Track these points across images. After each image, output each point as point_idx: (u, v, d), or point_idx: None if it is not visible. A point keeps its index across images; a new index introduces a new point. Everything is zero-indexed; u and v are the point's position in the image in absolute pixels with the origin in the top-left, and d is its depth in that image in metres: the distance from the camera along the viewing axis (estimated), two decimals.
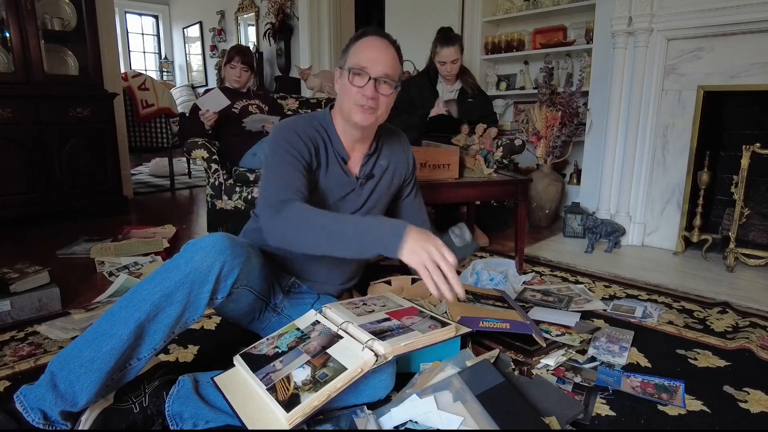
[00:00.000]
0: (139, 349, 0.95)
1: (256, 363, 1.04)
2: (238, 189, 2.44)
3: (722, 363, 1.36)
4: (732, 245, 2.23)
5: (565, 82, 3.21)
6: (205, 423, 1.00)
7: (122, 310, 0.95)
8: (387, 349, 1.00)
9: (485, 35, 3.78)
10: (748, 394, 1.21)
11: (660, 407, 1.14)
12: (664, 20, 2.39)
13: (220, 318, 1.57)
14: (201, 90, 6.41)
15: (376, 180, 1.38)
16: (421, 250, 0.99)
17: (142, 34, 7.66)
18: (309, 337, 1.09)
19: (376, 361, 0.99)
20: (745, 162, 2.19)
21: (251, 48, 5.76)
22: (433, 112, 2.49)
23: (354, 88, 1.20)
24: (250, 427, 0.91)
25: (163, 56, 7.72)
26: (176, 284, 0.96)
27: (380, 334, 1.05)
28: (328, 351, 1.03)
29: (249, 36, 5.98)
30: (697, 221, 2.42)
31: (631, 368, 1.32)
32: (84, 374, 0.90)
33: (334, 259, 1.37)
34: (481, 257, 2.32)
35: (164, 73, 7.68)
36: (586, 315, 1.66)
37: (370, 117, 1.22)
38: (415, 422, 1.02)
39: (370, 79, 1.19)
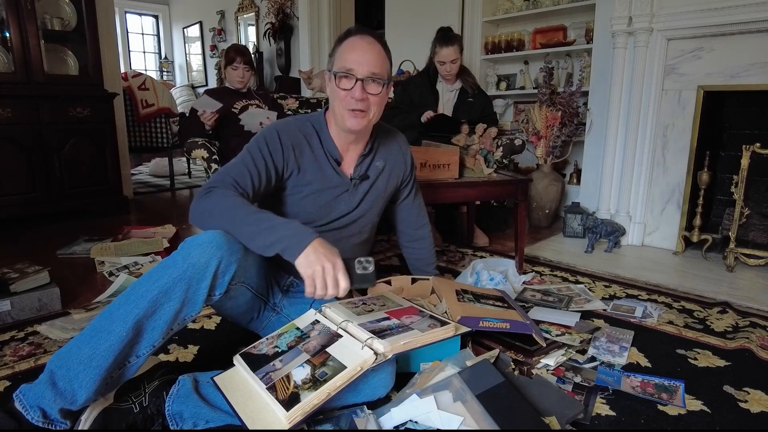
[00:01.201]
0: (138, 347, 0.96)
1: (256, 362, 1.04)
2: None
3: (722, 363, 1.36)
4: (732, 245, 2.23)
5: (565, 82, 3.20)
6: (205, 423, 1.00)
7: (120, 307, 0.95)
8: (386, 347, 1.00)
9: (485, 35, 3.78)
10: (748, 394, 1.21)
11: (660, 407, 1.14)
12: (664, 20, 2.39)
13: (220, 318, 1.57)
14: (201, 90, 6.42)
15: (372, 181, 1.37)
16: (317, 263, 1.00)
17: (142, 34, 7.66)
18: (308, 337, 1.09)
19: (376, 359, 0.99)
20: (745, 162, 2.19)
21: (251, 48, 5.76)
22: (425, 117, 2.47)
23: (342, 92, 1.20)
24: (250, 427, 0.91)
25: (163, 56, 7.72)
26: (174, 280, 0.96)
27: (379, 333, 1.05)
28: (328, 350, 1.03)
29: (249, 36, 5.99)
30: (697, 221, 2.42)
31: (631, 368, 1.32)
32: (83, 371, 0.90)
33: None
34: (481, 257, 2.32)
35: (164, 73, 7.68)
36: (586, 315, 1.66)
37: (362, 121, 1.22)
38: (415, 422, 1.02)
39: (356, 81, 1.19)
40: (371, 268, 1.08)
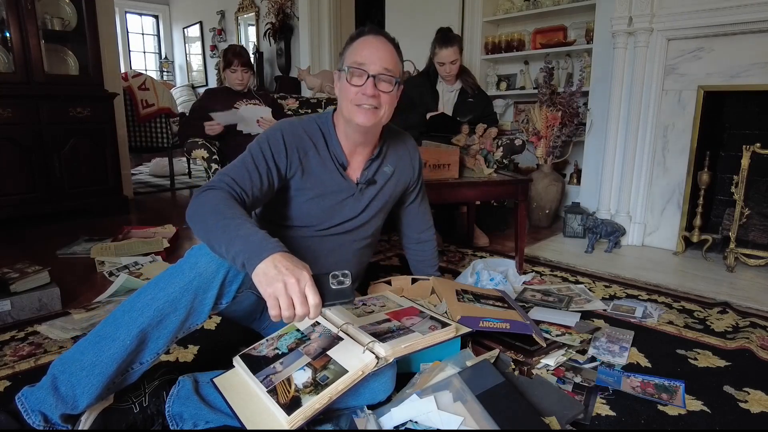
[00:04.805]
0: (142, 354, 0.95)
1: (256, 364, 1.04)
2: None
3: (722, 363, 1.36)
4: (732, 245, 2.23)
5: (565, 82, 3.20)
6: (206, 423, 1.00)
7: (125, 314, 0.93)
8: (388, 351, 0.99)
9: (485, 35, 3.78)
10: (748, 394, 1.21)
11: (660, 407, 1.14)
12: (665, 20, 2.39)
13: (220, 318, 1.57)
14: (201, 90, 6.41)
15: (379, 187, 1.34)
16: (277, 279, 0.85)
17: (142, 34, 7.65)
18: (309, 339, 1.09)
19: (377, 363, 0.98)
20: (745, 162, 2.19)
21: (251, 48, 5.76)
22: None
23: (353, 88, 1.17)
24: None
25: (163, 56, 7.71)
26: (180, 290, 0.94)
27: (380, 336, 1.04)
28: (329, 353, 1.02)
29: (249, 36, 5.98)
30: (697, 221, 2.42)
31: (631, 368, 1.32)
32: (85, 378, 0.90)
33: (333, 262, 1.36)
34: (481, 257, 2.32)
35: (164, 73, 7.67)
36: (586, 315, 1.66)
37: (372, 117, 1.18)
38: (415, 422, 1.02)
39: (369, 76, 1.16)
40: (347, 281, 0.91)
